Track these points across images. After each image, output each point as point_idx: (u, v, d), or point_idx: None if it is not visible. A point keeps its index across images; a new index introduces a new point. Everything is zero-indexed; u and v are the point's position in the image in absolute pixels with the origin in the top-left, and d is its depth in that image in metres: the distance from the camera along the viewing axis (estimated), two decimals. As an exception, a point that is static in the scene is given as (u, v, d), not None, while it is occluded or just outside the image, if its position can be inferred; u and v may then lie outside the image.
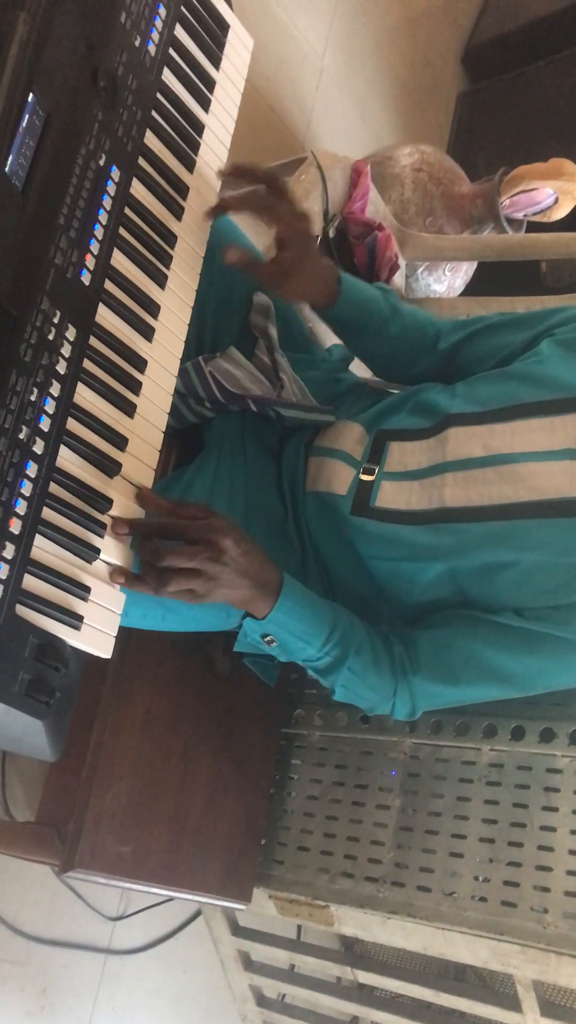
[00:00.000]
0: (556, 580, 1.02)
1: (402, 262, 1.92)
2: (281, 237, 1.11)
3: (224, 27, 1.14)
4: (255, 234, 1.39)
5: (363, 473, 1.16)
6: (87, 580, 0.87)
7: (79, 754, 1.19)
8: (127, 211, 0.95)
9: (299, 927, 1.89)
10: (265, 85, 2.40)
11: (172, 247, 1.03)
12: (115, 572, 0.90)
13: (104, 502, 0.90)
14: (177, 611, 1.13)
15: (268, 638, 1.04)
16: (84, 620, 0.86)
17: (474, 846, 1.26)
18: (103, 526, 0.90)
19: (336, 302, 1.17)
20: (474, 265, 2.34)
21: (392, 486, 1.14)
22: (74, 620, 0.85)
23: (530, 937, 1.17)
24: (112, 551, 0.90)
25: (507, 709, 1.29)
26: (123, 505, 0.93)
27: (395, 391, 1.30)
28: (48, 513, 0.84)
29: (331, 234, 1.80)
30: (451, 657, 1.07)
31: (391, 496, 1.13)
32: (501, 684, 1.07)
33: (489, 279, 2.38)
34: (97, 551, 0.88)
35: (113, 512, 0.91)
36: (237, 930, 1.76)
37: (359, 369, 1.39)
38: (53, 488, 0.84)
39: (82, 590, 0.86)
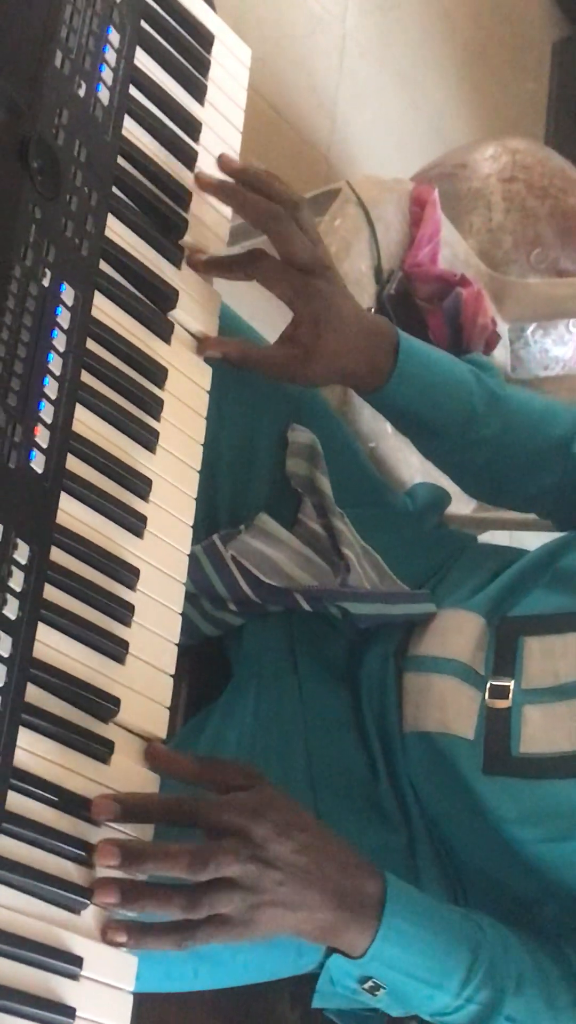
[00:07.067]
0: None
1: (503, 327, 1.95)
2: (288, 300, 1.13)
3: (206, 40, 1.18)
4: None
5: (491, 695, 1.14)
6: (76, 945, 0.85)
7: None
8: (91, 344, 0.97)
9: None
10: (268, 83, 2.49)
11: (161, 385, 1.04)
12: (109, 930, 0.87)
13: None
14: (215, 959, 1.10)
15: (370, 983, 1.01)
16: (77, 1013, 0.84)
17: None
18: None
19: (387, 381, 1.18)
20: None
21: (540, 713, 1.12)
22: (64, 1018, 0.82)
23: None
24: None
25: None
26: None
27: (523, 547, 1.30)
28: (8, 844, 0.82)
29: (390, 296, 1.82)
30: None
31: (542, 731, 1.12)
32: None
33: None
34: (86, 894, 0.87)
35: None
36: None
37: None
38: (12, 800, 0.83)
39: (70, 964, 0.84)
